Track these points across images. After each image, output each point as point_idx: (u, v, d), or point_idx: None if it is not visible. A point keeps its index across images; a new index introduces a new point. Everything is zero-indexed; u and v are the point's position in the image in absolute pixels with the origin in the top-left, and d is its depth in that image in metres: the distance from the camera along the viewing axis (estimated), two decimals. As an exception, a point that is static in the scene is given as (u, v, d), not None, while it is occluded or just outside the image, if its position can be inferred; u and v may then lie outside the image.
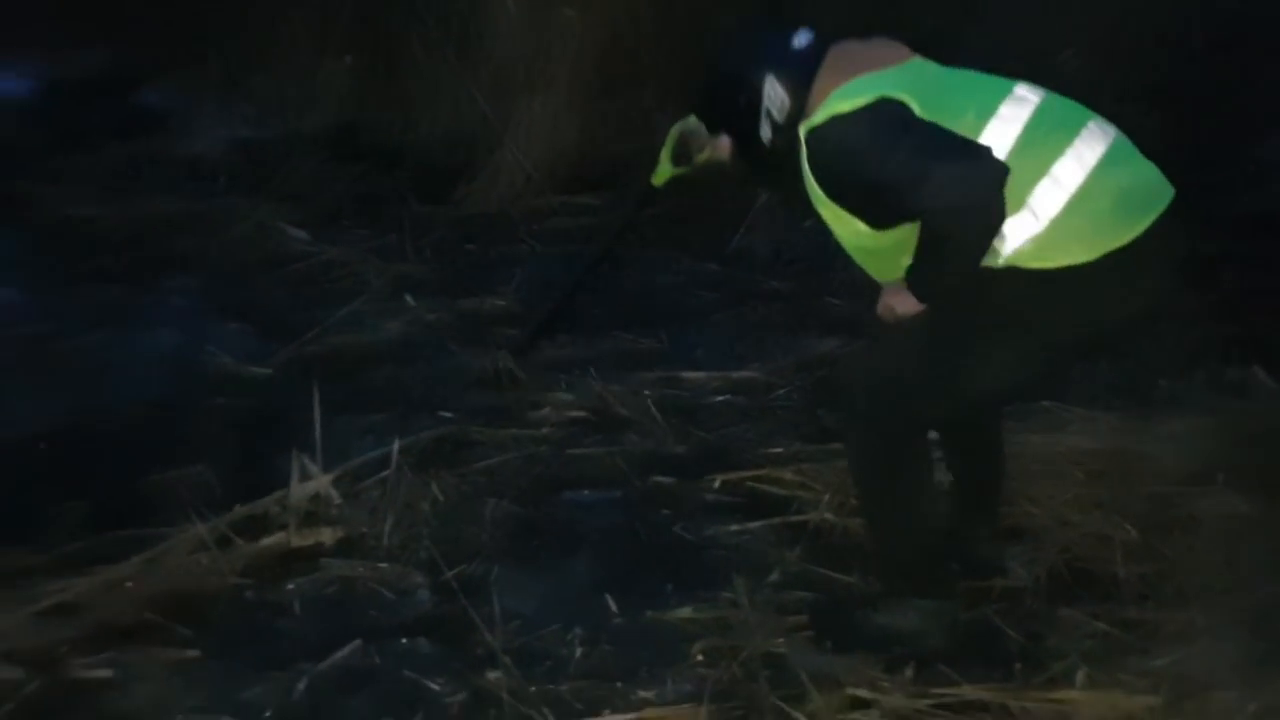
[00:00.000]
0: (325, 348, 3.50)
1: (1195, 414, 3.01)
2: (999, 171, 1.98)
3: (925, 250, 2.06)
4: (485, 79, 5.07)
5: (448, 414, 3.10)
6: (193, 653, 2.17)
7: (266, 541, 2.41)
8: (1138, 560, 2.48)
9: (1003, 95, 2.10)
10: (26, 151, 5.02)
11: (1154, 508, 2.63)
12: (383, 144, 5.30)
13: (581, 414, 3.14)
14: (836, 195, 2.10)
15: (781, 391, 3.29)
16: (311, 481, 2.51)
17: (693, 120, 2.59)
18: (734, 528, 2.63)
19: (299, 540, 2.41)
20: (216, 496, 2.58)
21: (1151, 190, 2.10)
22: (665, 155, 2.79)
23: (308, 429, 2.69)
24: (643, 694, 2.14)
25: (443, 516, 2.63)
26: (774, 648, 2.25)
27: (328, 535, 2.45)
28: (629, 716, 2.08)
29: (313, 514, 2.50)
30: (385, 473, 2.68)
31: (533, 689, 2.12)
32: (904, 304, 2.14)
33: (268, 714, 2.06)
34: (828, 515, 2.64)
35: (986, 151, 2.00)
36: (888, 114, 2.04)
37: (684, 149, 2.69)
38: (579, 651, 2.24)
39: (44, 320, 3.59)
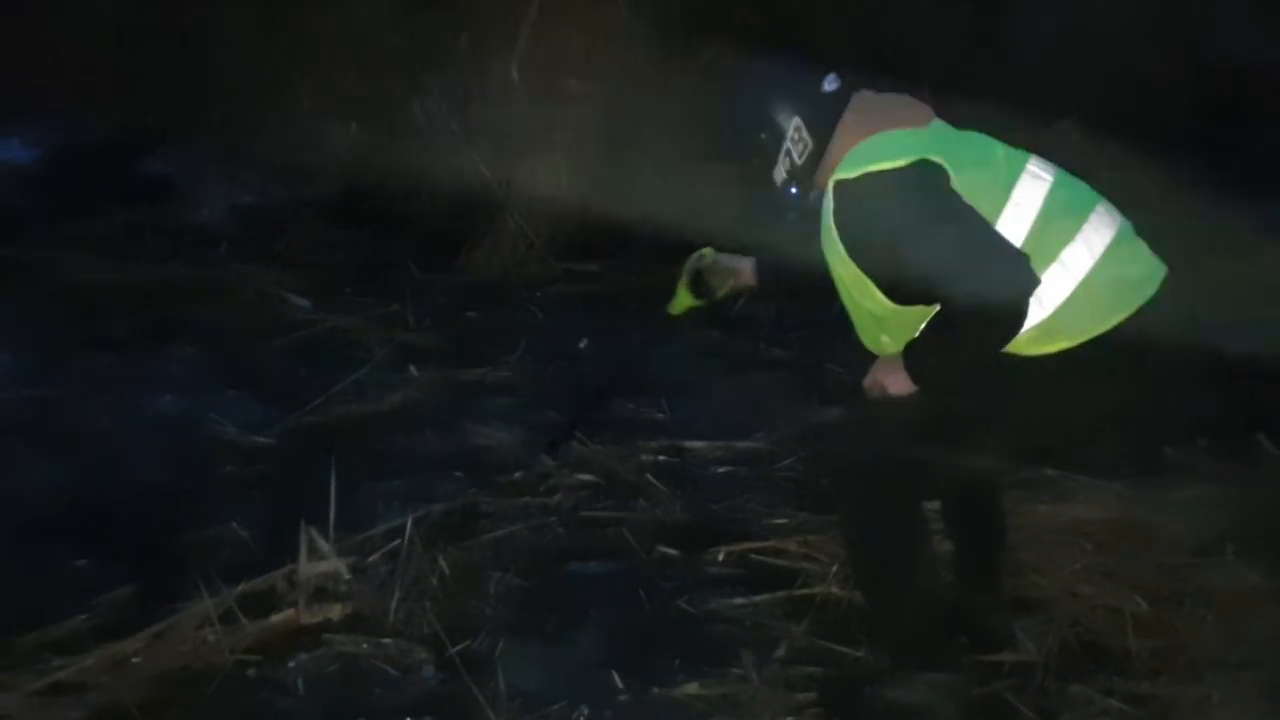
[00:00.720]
0: (329, 417, 3.48)
1: (1202, 483, 3.01)
2: (1032, 284, 1.97)
3: (937, 343, 2.04)
4: (487, 146, 5.13)
5: (452, 486, 3.07)
6: None
7: (275, 619, 2.37)
8: (1149, 633, 2.46)
9: (1018, 172, 2.09)
10: (31, 217, 5.05)
11: (1164, 579, 2.61)
12: (385, 211, 5.34)
13: (588, 482, 3.13)
14: (857, 255, 2.06)
15: (785, 462, 3.27)
16: (323, 561, 2.47)
17: (709, 252, 2.63)
18: (739, 601, 2.61)
19: (308, 617, 2.37)
20: (223, 569, 2.54)
21: (1147, 278, 2.10)
22: (683, 287, 2.73)
23: (313, 500, 2.66)
24: (650, 773, 2.11)
25: (448, 590, 2.60)
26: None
27: (336, 611, 2.42)
28: (635, 798, 2.05)
29: (321, 590, 2.46)
30: (394, 543, 2.65)
31: (538, 770, 2.09)
32: (897, 383, 2.12)
33: None
34: (834, 589, 2.61)
35: (1024, 261, 1.98)
36: (926, 182, 2.01)
37: (704, 282, 2.67)
38: (587, 730, 2.21)
39: (46, 386, 3.58)
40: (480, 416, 3.56)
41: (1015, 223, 2.03)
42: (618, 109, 5.08)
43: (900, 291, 2.07)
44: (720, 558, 2.76)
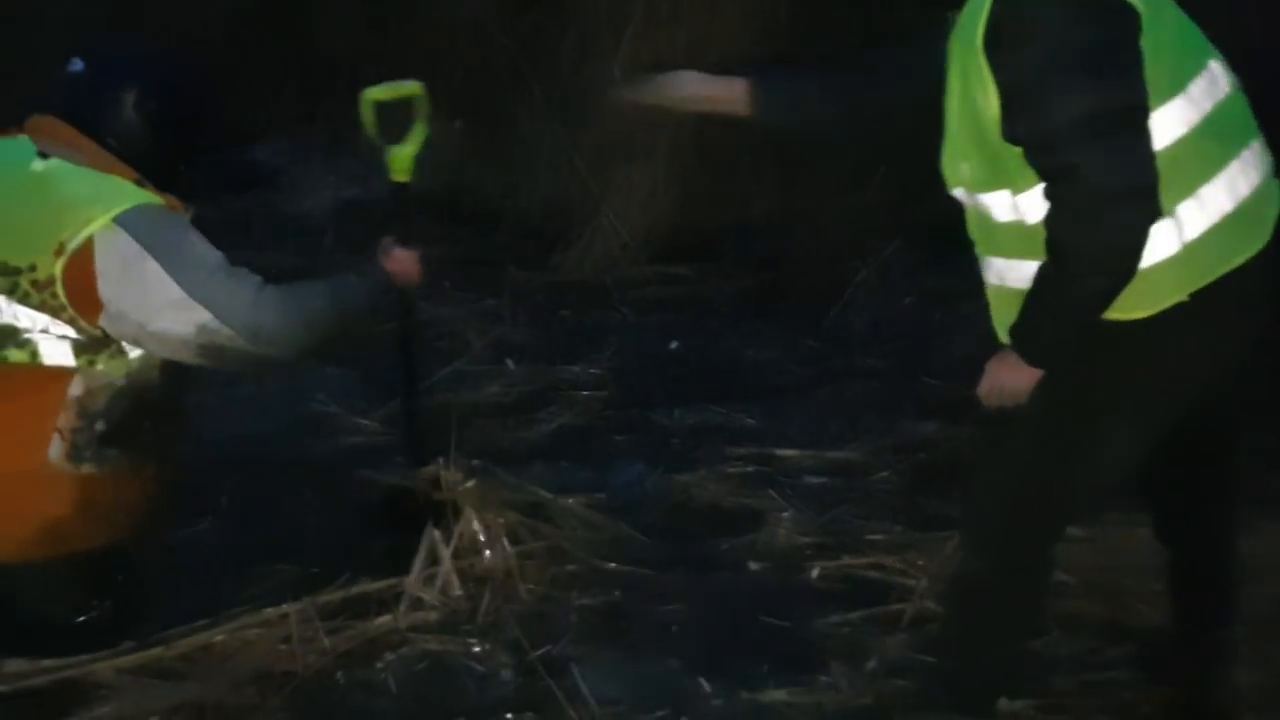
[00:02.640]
0: (428, 403, 3.54)
1: None
2: (1150, 216, 1.69)
3: (1039, 293, 1.81)
4: (587, 147, 5.16)
5: (543, 483, 3.07)
6: None
7: (374, 621, 2.40)
8: None
9: (1200, 66, 1.81)
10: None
11: None
12: (484, 208, 5.42)
13: (678, 486, 3.13)
14: (1006, 78, 1.72)
15: (880, 474, 3.23)
16: (438, 567, 2.51)
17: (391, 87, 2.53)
18: (831, 613, 2.59)
19: (406, 620, 2.41)
20: (323, 557, 2.60)
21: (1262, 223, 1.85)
22: (372, 130, 2.59)
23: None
24: (741, 777, 2.11)
25: (532, 594, 2.61)
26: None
27: (434, 616, 2.44)
28: (726, 801, 2.05)
29: (419, 598, 2.49)
30: (483, 543, 2.67)
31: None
32: (1013, 376, 1.88)
33: None
34: (928, 604, 2.58)
35: (1154, 197, 1.70)
36: (1112, 19, 1.69)
37: (392, 120, 2.51)
38: (674, 733, 2.22)
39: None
40: (573, 414, 3.60)
41: (1174, 123, 1.74)
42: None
43: (1023, 127, 1.73)
44: (815, 572, 2.74)
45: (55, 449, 2.18)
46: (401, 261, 2.52)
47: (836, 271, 4.59)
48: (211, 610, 2.38)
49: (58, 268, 2.11)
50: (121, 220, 2.13)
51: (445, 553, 2.53)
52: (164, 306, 2.13)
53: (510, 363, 3.96)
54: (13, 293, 2.13)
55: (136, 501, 2.30)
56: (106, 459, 2.22)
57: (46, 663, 2.18)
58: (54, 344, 2.14)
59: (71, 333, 2.14)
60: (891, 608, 2.60)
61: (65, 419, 2.17)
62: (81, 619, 2.30)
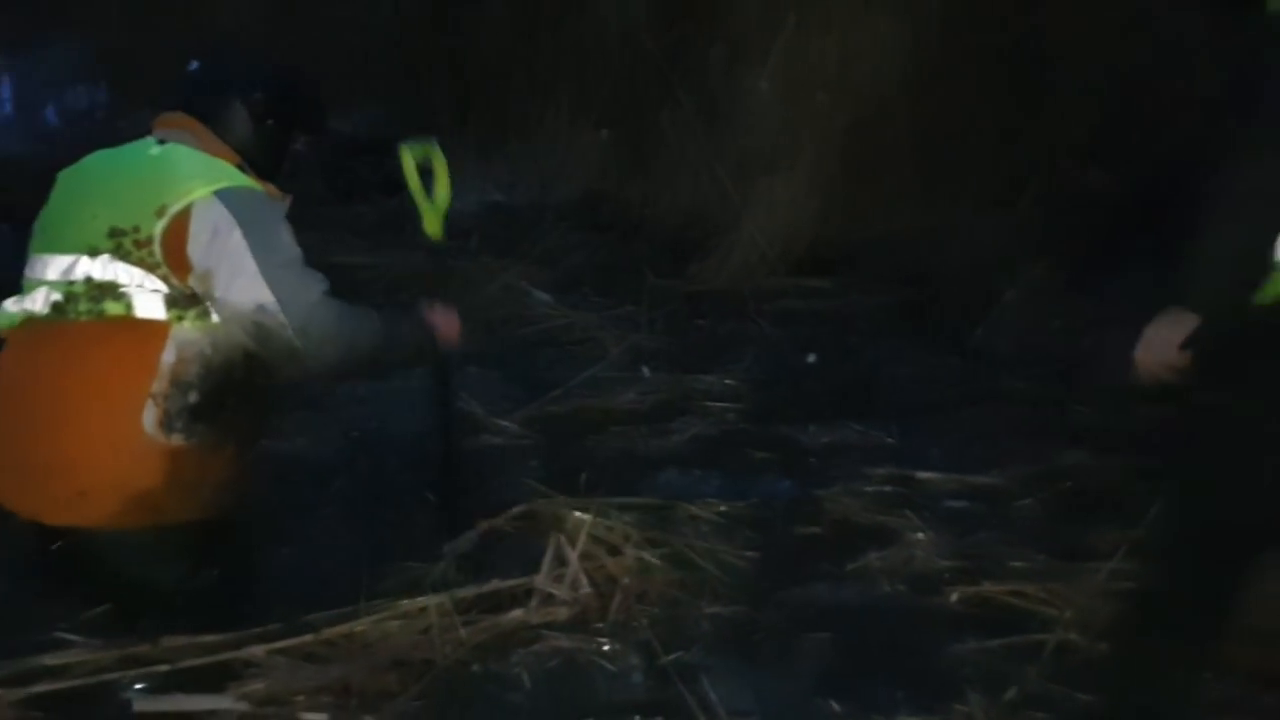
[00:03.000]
0: (566, 408, 3.60)
1: None
2: None
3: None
4: (730, 157, 5.17)
5: (679, 493, 3.08)
6: (413, 712, 2.17)
7: (506, 617, 2.42)
8: None
9: None
10: (305, 201, 5.42)
11: None
12: (624, 216, 5.48)
13: (811, 501, 3.10)
14: None
15: (1024, 501, 3.14)
16: (566, 569, 2.53)
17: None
18: (969, 639, 2.52)
19: (537, 618, 2.43)
20: (465, 550, 2.65)
21: None
22: (416, 184, 2.74)
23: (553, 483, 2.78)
24: (867, 801, 2.07)
25: (663, 600, 2.59)
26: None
27: (564, 613, 2.46)
28: (854, 824, 2.01)
29: (553, 595, 2.51)
30: (617, 544, 2.68)
31: (755, 784, 2.07)
32: (1169, 332, 1.84)
33: None
34: (1072, 635, 2.49)
35: None
36: None
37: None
38: (804, 751, 2.19)
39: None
40: (708, 423, 3.60)
41: None
42: (866, 125, 5.03)
43: None
44: (955, 597, 2.67)
45: (149, 416, 2.28)
46: (445, 319, 2.62)
47: (982, 290, 4.49)
48: (348, 598, 2.42)
49: (157, 228, 2.27)
50: (220, 194, 2.30)
51: (572, 554, 2.54)
52: (237, 277, 2.28)
53: (645, 370, 3.98)
54: (116, 251, 2.28)
55: (220, 480, 2.40)
56: (194, 432, 2.33)
57: (205, 639, 2.26)
58: (147, 297, 2.28)
59: (164, 288, 2.29)
60: (1033, 637, 2.51)
61: (159, 385, 2.28)
62: (185, 588, 2.39)
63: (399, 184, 5.82)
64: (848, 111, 5.03)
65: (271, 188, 2.49)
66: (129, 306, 2.28)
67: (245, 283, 2.27)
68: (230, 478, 2.43)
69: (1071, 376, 3.86)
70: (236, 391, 2.37)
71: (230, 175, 2.37)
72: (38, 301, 2.34)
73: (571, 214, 5.42)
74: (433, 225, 2.74)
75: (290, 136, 2.58)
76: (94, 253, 2.30)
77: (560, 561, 2.57)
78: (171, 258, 2.27)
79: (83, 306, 2.29)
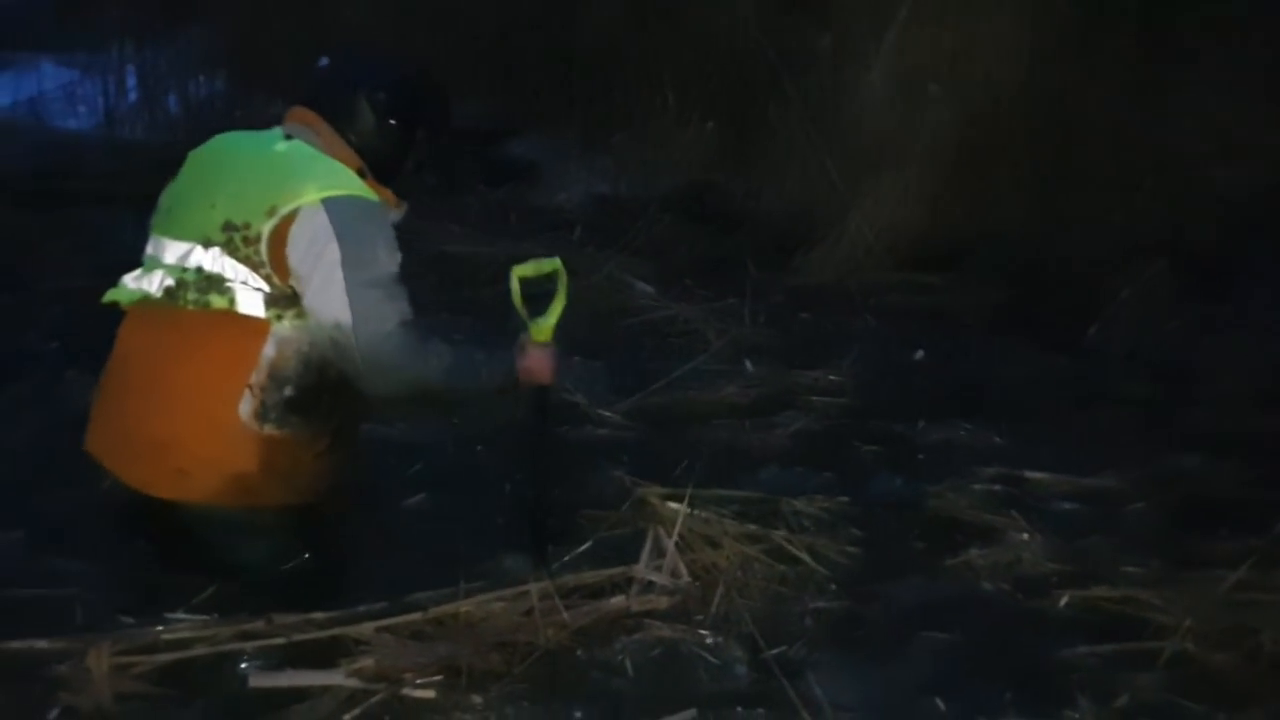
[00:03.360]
0: (668, 400, 3.61)
1: None
2: None
3: None
4: (838, 150, 5.12)
5: (784, 489, 3.05)
6: (519, 693, 2.20)
7: (608, 603, 2.43)
8: None
9: None
10: (412, 191, 5.52)
11: None
12: (728, 208, 5.46)
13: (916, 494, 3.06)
14: None
15: (1137, 505, 3.06)
16: (662, 560, 2.54)
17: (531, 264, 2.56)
18: (1081, 646, 2.46)
19: (638, 605, 2.43)
20: (564, 537, 2.68)
21: None
22: (519, 304, 2.55)
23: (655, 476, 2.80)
24: (974, 803, 2.04)
25: (767, 593, 2.59)
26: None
27: (664, 602, 2.46)
28: (960, 825, 1.98)
29: (652, 583, 2.51)
30: (716, 536, 2.68)
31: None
32: None
33: None
34: (1189, 645, 2.42)
35: None
36: None
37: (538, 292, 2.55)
38: (911, 751, 2.16)
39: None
40: (810, 419, 3.57)
41: None
42: (979, 118, 4.93)
43: None
44: (1064, 601, 2.61)
45: (246, 405, 2.36)
46: (536, 360, 2.53)
47: (1096, 289, 4.39)
48: (449, 582, 2.45)
49: (266, 228, 2.32)
50: (328, 202, 2.32)
51: (669, 543, 2.55)
52: (324, 290, 2.31)
53: (749, 364, 3.96)
54: (227, 245, 2.35)
55: (315, 469, 2.46)
56: (289, 424, 2.39)
57: (314, 617, 2.33)
58: (249, 295, 2.34)
59: (265, 287, 2.34)
60: (1146, 645, 2.45)
61: (257, 377, 2.35)
62: (288, 568, 2.48)
63: (505, 174, 5.94)
64: (960, 104, 4.94)
65: (388, 194, 2.50)
66: (232, 302, 2.35)
67: (330, 297, 2.31)
68: (326, 468, 2.50)
69: (1188, 380, 3.74)
70: (332, 388, 2.42)
71: (344, 183, 2.38)
72: (154, 283, 2.42)
73: (676, 206, 5.40)
74: (542, 334, 2.55)
75: (414, 139, 2.56)
76: (207, 243, 2.37)
77: (659, 551, 2.58)
78: (274, 258, 2.33)
79: (191, 295, 2.37)
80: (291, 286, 2.35)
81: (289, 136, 2.47)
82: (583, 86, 6.01)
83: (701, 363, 3.88)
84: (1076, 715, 2.25)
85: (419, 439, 3.23)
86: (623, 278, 4.64)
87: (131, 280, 2.48)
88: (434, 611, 2.36)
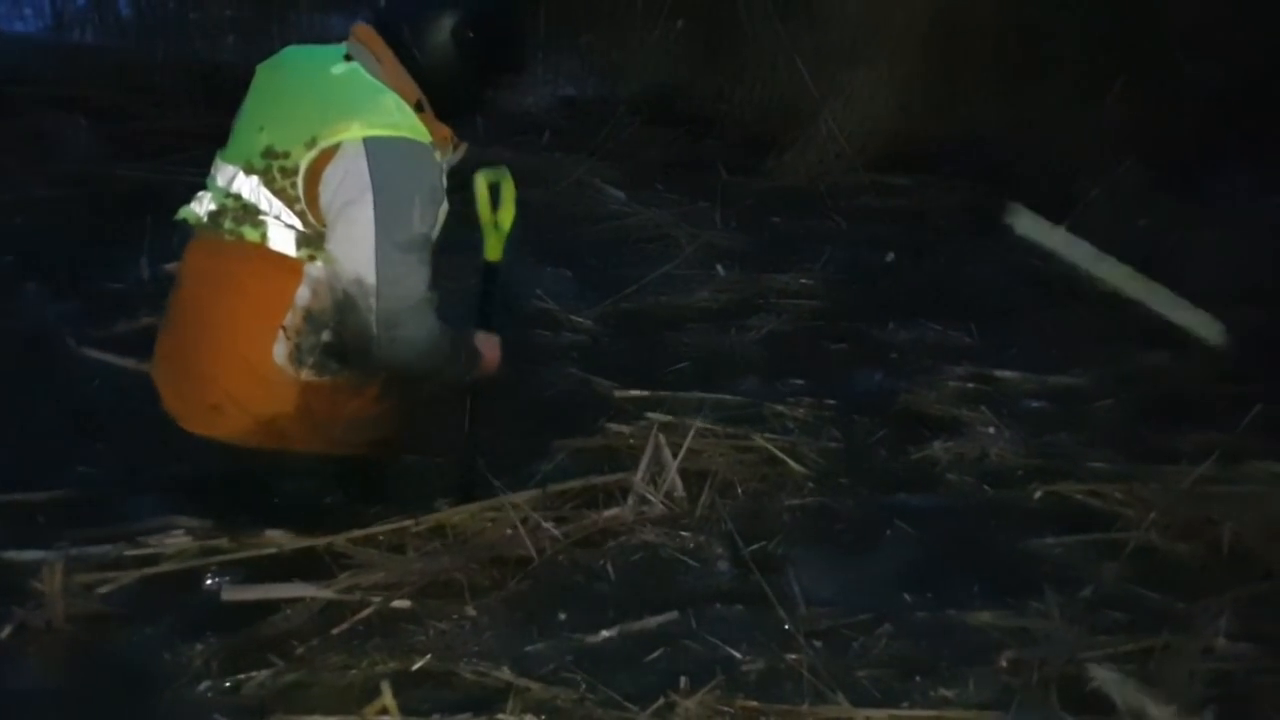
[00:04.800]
0: (641, 305, 3.61)
1: None
2: None
3: None
4: (808, 50, 5.05)
5: (757, 390, 3.09)
6: (501, 601, 2.22)
7: (602, 514, 2.45)
8: None
9: None
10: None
11: None
12: (697, 111, 5.39)
13: (887, 393, 3.09)
14: None
15: (1104, 402, 3.12)
16: (660, 464, 2.55)
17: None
18: (1049, 539, 2.53)
19: (632, 516, 2.45)
20: (554, 448, 2.70)
21: None
22: (486, 213, 2.46)
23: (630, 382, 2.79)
24: (944, 692, 2.08)
25: (749, 493, 2.62)
26: (1081, 667, 2.15)
27: (658, 512, 2.48)
28: (929, 713, 2.03)
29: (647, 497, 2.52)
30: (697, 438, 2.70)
31: (831, 671, 2.11)
32: None
33: (549, 668, 2.06)
34: (1152, 536, 2.49)
35: None
36: None
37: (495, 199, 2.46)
38: (881, 641, 2.21)
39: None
40: (783, 319, 3.59)
41: None
42: (949, 17, 4.87)
43: None
44: (1035, 495, 2.67)
45: (280, 348, 2.24)
46: (489, 349, 2.45)
47: (1065, 188, 4.39)
48: (438, 491, 2.48)
49: (304, 160, 2.18)
50: (370, 143, 2.16)
51: (670, 456, 2.56)
52: (349, 240, 2.17)
53: (720, 268, 3.96)
54: (265, 174, 2.22)
55: (358, 419, 2.32)
56: (328, 369, 2.26)
57: (293, 535, 2.32)
58: (282, 231, 2.22)
59: (299, 224, 2.22)
60: (1111, 536, 2.52)
61: (292, 319, 2.23)
62: (320, 500, 2.43)
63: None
64: (931, 2, 4.87)
65: (445, 132, 2.31)
66: (264, 236, 2.23)
67: (356, 250, 2.17)
68: (373, 418, 2.34)
69: (1158, 276, 3.76)
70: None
71: (394, 121, 2.19)
72: (203, 206, 2.32)
73: (644, 108, 5.32)
74: (495, 250, 2.50)
75: (485, 73, 2.33)
76: (250, 170, 2.24)
77: (657, 462, 2.58)
78: (310, 194, 2.19)
79: (227, 224, 2.25)
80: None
81: (348, 59, 2.27)
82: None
83: (673, 268, 3.87)
84: (1043, 605, 2.31)
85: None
86: (592, 182, 4.60)
87: (195, 202, 2.35)
88: (423, 521, 2.36)
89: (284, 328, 2.24)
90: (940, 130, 4.94)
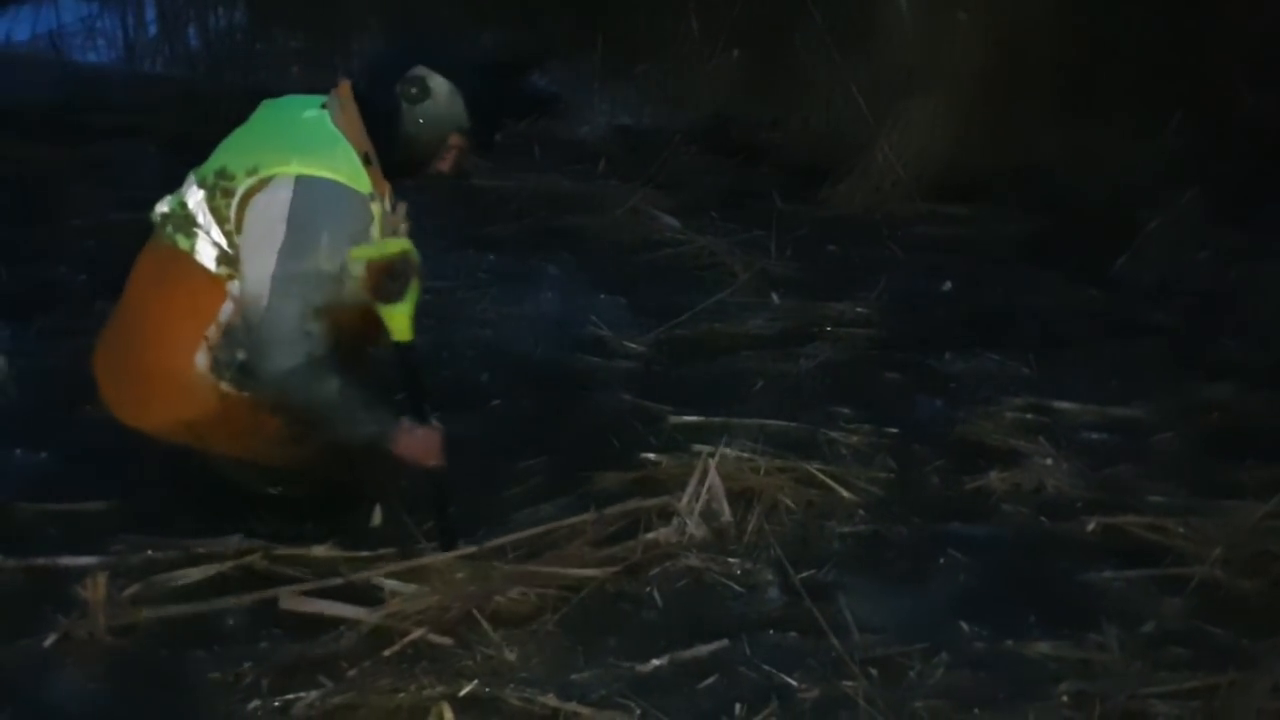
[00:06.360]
0: (694, 331, 3.61)
1: None
2: None
3: None
4: (865, 79, 5.05)
5: (810, 418, 3.06)
6: (548, 629, 2.22)
7: (645, 538, 2.45)
8: None
9: None
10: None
11: None
12: (752, 139, 5.41)
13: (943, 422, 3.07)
14: None
15: (1164, 435, 3.07)
16: (707, 488, 2.55)
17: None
18: (1108, 572, 2.48)
19: (676, 538, 2.46)
20: (604, 473, 2.71)
21: None
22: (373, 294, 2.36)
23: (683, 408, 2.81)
24: (1003, 725, 2.06)
25: (798, 520, 2.61)
26: (1144, 703, 2.11)
27: (702, 535, 2.48)
28: (990, 748, 2.02)
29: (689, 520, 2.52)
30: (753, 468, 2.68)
31: (888, 701, 2.08)
32: None
33: (598, 694, 2.05)
34: (1215, 572, 2.44)
35: None
36: None
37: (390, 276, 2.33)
38: (938, 671, 2.18)
39: (441, 277, 3.88)
40: (837, 350, 3.57)
41: None
42: (1007, 46, 4.85)
43: None
44: (1091, 527, 2.63)
45: (202, 357, 2.34)
46: (419, 441, 2.37)
47: (1125, 219, 4.35)
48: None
49: (243, 186, 2.31)
50: (301, 180, 2.27)
51: (716, 478, 2.56)
52: (256, 262, 2.28)
53: (775, 296, 3.95)
54: (210, 191, 2.35)
55: (282, 435, 2.37)
56: (246, 386, 2.34)
57: (356, 555, 2.37)
58: (208, 247, 2.34)
59: (224, 243, 2.33)
60: (1173, 571, 2.47)
61: (213, 333, 2.33)
62: (273, 491, 2.48)
63: (527, 106, 5.86)
64: (988, 32, 4.85)
65: (384, 187, 2.36)
66: (193, 248, 2.35)
67: (256, 273, 2.27)
68: (292, 437, 2.37)
69: (1217, 309, 3.72)
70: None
71: (333, 166, 2.28)
72: (161, 208, 2.45)
73: (700, 137, 5.36)
74: (400, 326, 2.38)
75: (442, 143, 2.36)
76: (201, 184, 2.37)
77: (702, 484, 2.57)
78: (239, 217, 2.31)
79: (169, 229, 2.39)
80: None
81: (323, 107, 2.39)
82: (605, 16, 5.92)
83: (727, 295, 3.86)
84: (1102, 639, 2.27)
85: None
86: (647, 210, 4.61)
87: (161, 202, 2.48)
88: (474, 549, 2.39)
89: (206, 338, 2.34)
90: (997, 159, 4.90)
